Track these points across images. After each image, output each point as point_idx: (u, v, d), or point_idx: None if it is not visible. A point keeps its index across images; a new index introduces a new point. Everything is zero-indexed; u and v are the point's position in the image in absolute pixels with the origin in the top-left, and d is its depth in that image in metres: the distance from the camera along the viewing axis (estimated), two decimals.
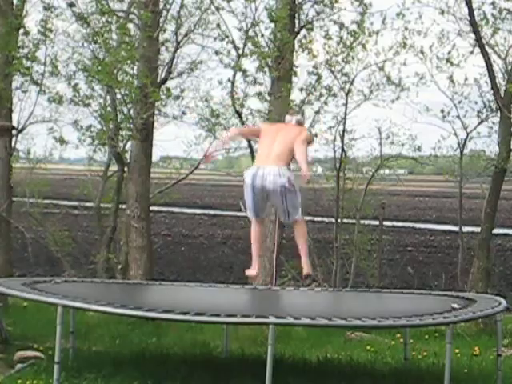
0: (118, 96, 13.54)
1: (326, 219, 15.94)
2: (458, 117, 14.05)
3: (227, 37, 13.39)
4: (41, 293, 8.79)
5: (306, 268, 9.38)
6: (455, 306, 8.70)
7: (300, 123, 9.43)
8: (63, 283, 10.08)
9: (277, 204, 9.13)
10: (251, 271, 9.42)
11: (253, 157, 13.72)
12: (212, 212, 39.20)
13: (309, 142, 9.19)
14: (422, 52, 13.92)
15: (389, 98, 14.13)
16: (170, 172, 15.45)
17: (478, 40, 13.54)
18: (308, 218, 16.11)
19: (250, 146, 13.85)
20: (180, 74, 13.94)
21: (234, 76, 13.42)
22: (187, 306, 8.34)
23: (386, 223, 18.08)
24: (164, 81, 13.60)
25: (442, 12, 13.72)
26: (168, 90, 13.63)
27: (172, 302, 9.25)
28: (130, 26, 13.57)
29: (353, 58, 13.92)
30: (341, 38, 13.79)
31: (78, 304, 8.39)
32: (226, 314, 8.05)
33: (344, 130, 14.31)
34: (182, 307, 8.24)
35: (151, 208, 14.28)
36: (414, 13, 13.96)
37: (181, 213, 37.34)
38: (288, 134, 9.08)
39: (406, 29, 13.83)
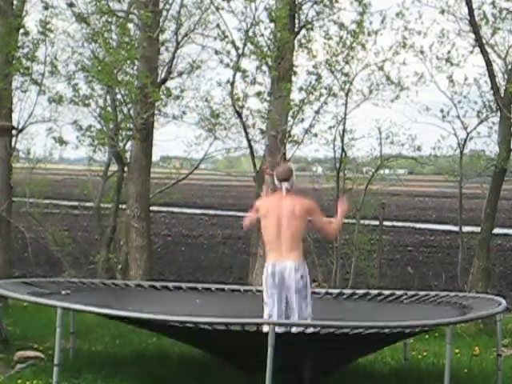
0: (118, 96, 13.54)
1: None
2: (458, 117, 14.03)
3: (227, 37, 13.39)
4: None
5: None
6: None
7: (288, 189, 8.79)
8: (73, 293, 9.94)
9: (290, 304, 8.60)
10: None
11: (253, 156, 13.75)
12: (212, 212, 39.18)
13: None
14: (421, 52, 13.91)
15: (388, 98, 14.13)
16: (170, 172, 15.42)
17: (478, 40, 13.53)
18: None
19: (250, 146, 13.85)
20: (180, 74, 13.93)
21: (234, 76, 13.42)
22: (187, 307, 8.34)
23: (386, 223, 18.08)
24: (164, 81, 13.60)
25: (442, 11, 13.71)
26: (168, 89, 13.63)
27: (172, 302, 9.26)
28: (130, 25, 13.56)
29: (352, 58, 13.91)
30: (341, 37, 13.78)
31: (77, 306, 8.39)
32: (226, 315, 8.06)
33: (344, 130, 14.28)
34: (183, 308, 8.25)
35: (151, 208, 14.28)
36: (414, 13, 13.96)
37: (181, 213, 37.33)
38: (294, 215, 8.66)
39: (406, 28, 13.82)
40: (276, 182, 8.92)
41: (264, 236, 8.83)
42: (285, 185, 8.76)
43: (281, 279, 8.51)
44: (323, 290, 11.12)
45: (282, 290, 8.51)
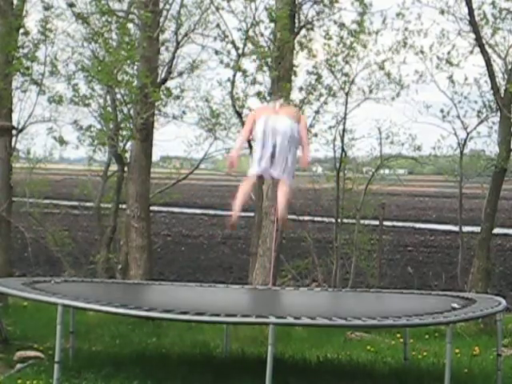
0: (118, 96, 13.54)
1: (326, 219, 15.92)
2: (458, 116, 14.05)
3: (227, 37, 13.39)
4: (41, 292, 8.80)
5: (281, 213, 9.29)
6: (455, 305, 8.70)
7: (282, 104, 9.47)
8: (63, 283, 10.08)
9: (280, 152, 9.06)
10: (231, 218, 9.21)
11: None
12: (212, 212, 39.17)
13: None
14: (421, 52, 13.91)
15: (389, 96, 14.14)
16: (170, 172, 15.45)
17: (478, 40, 13.53)
18: (308, 217, 16.19)
19: (250, 147, 13.83)
20: (180, 74, 13.94)
21: (234, 76, 13.41)
22: (187, 306, 8.34)
23: (386, 223, 18.08)
24: (164, 81, 13.60)
25: (442, 12, 13.72)
26: (168, 89, 13.63)
27: (172, 302, 9.26)
28: (130, 25, 13.56)
29: (353, 57, 13.91)
30: (341, 37, 13.79)
31: (78, 303, 8.40)
32: (226, 313, 8.06)
33: (344, 130, 14.30)
34: (182, 307, 8.25)
35: (151, 208, 14.28)
36: (414, 13, 13.97)
37: (181, 213, 37.34)
38: (288, 113, 9.21)
39: (406, 29, 13.83)
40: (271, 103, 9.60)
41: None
42: (279, 101, 9.40)
43: (273, 125, 9.01)
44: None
45: (272, 136, 8.99)
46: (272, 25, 13.26)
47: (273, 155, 9.03)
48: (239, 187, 9.26)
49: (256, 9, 13.21)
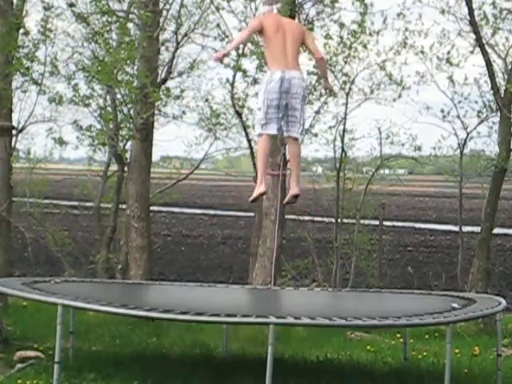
0: (118, 96, 13.54)
1: (326, 219, 15.92)
2: (458, 117, 14.05)
3: (227, 36, 13.39)
4: (41, 292, 8.80)
5: (296, 188, 9.17)
6: (455, 305, 8.70)
7: (279, 10, 9.47)
8: (63, 283, 10.09)
9: (293, 112, 8.96)
10: (260, 190, 9.06)
11: (253, 156, 13.73)
12: (212, 212, 39.19)
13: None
14: (422, 52, 13.91)
15: (390, 97, 14.14)
16: (170, 172, 15.45)
17: (478, 40, 13.53)
18: (308, 217, 16.19)
19: (251, 147, 13.86)
20: (180, 74, 13.94)
21: (234, 76, 13.42)
22: (187, 306, 8.34)
23: (386, 223, 18.08)
24: (164, 81, 13.60)
25: (443, 12, 13.72)
26: (168, 89, 13.63)
27: (172, 302, 9.27)
28: (130, 25, 13.56)
29: (354, 57, 13.91)
30: (341, 37, 13.79)
31: (78, 304, 8.40)
32: (226, 313, 8.06)
33: (344, 130, 14.31)
34: (182, 307, 8.24)
35: (151, 208, 14.28)
36: (415, 13, 13.97)
37: (181, 213, 37.33)
38: (294, 35, 9.09)
39: (407, 29, 13.83)
40: (266, 8, 9.39)
41: (269, 51, 9.09)
42: (276, 6, 9.36)
43: (288, 86, 8.84)
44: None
45: (286, 96, 8.85)
46: None
47: (285, 115, 8.96)
48: (258, 150, 9.24)
49: (256, 9, 13.23)
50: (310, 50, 9.38)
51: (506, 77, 13.69)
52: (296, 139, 9.08)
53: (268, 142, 9.09)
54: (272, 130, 8.95)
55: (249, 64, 13.50)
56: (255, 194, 9.11)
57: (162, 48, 13.76)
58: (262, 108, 8.92)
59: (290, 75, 8.86)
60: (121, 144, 13.62)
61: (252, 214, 14.00)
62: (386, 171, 15.83)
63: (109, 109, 13.68)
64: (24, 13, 13.58)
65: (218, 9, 13.39)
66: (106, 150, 14.20)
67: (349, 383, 8.92)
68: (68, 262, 14.74)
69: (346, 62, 13.97)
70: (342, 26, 13.71)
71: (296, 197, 9.17)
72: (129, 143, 13.75)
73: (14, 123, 13.69)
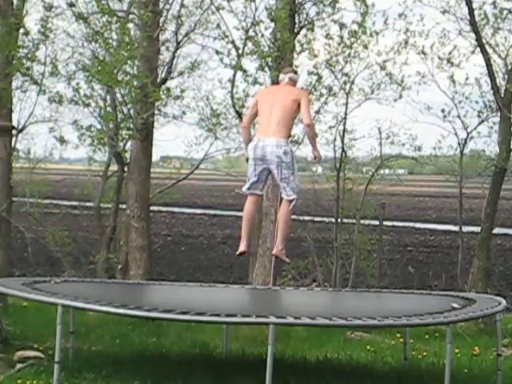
0: (118, 96, 13.54)
1: (326, 219, 15.92)
2: (459, 116, 14.05)
3: (227, 36, 13.38)
4: (41, 292, 8.79)
5: (275, 249, 9.60)
6: (455, 305, 8.70)
7: (293, 81, 9.63)
8: (63, 283, 10.08)
9: (275, 178, 9.34)
10: (240, 248, 9.45)
11: None
12: (212, 212, 39.20)
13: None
14: (423, 52, 13.90)
15: (391, 97, 14.13)
16: (170, 172, 15.44)
17: (479, 40, 13.53)
18: (308, 217, 16.17)
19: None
20: (180, 74, 13.93)
21: (234, 76, 13.41)
22: (187, 306, 8.34)
23: (386, 223, 18.08)
24: (164, 81, 13.60)
25: (444, 11, 13.71)
26: (168, 89, 13.63)
27: (172, 302, 9.26)
28: (130, 25, 13.56)
29: (354, 57, 13.91)
30: (341, 37, 13.78)
31: (78, 304, 8.39)
32: (226, 313, 8.06)
33: (344, 130, 14.30)
34: (182, 307, 8.24)
35: (151, 208, 14.27)
36: (416, 14, 13.93)
37: (181, 213, 37.33)
38: (285, 99, 9.25)
39: (408, 30, 13.82)
40: (281, 75, 9.78)
41: (259, 121, 9.53)
42: (288, 75, 9.60)
43: (262, 154, 9.19)
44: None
45: (261, 163, 9.21)
46: (272, 25, 13.25)
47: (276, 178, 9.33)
48: (244, 211, 9.52)
49: (256, 9, 13.23)
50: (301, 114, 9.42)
51: (506, 77, 13.69)
52: (288, 201, 9.34)
53: (252, 204, 9.47)
54: (256, 190, 9.38)
55: (249, 64, 13.51)
56: (238, 251, 9.56)
57: (162, 48, 13.76)
58: (248, 171, 9.34)
59: (264, 143, 9.17)
60: (121, 144, 13.63)
61: None
62: (386, 171, 15.82)
63: (109, 109, 13.68)
64: (24, 12, 13.57)
65: (218, 9, 13.37)
66: (106, 149, 14.21)
67: (349, 383, 8.91)
68: (68, 262, 14.74)
69: (346, 62, 13.96)
70: (342, 26, 13.70)
71: (276, 257, 9.69)
72: (129, 143, 13.76)
73: (14, 123, 13.69)
